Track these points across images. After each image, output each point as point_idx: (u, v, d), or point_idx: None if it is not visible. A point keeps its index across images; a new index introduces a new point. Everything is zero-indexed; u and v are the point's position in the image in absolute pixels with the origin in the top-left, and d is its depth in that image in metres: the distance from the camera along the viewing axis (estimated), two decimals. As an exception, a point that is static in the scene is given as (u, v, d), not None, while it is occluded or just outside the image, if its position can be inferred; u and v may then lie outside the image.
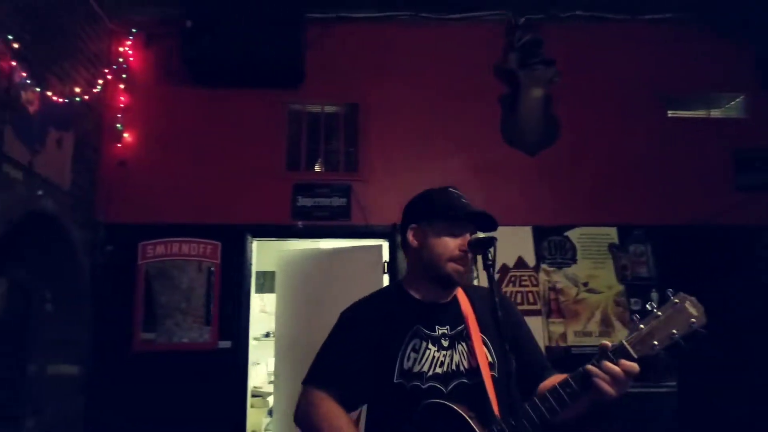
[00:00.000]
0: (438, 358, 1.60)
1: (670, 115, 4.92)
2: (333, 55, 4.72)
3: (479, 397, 1.54)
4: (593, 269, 4.56)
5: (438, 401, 1.51)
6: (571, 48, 4.79)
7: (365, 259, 4.60)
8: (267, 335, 7.04)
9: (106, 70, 4.46)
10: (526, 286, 4.50)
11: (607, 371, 1.33)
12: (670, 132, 4.81)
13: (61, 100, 3.72)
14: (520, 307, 4.34)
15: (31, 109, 3.40)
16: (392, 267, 4.44)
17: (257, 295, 7.06)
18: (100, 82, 4.35)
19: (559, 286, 4.52)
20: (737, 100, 5.04)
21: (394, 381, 1.57)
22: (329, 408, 1.53)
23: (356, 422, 1.64)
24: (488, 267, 1.49)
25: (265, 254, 5.63)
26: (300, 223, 4.54)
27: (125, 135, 4.50)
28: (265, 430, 5.96)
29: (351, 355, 1.61)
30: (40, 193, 3.53)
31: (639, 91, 4.84)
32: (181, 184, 4.50)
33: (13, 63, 3.19)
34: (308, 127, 4.85)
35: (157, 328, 4.27)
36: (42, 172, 3.53)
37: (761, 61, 4.89)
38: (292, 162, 4.73)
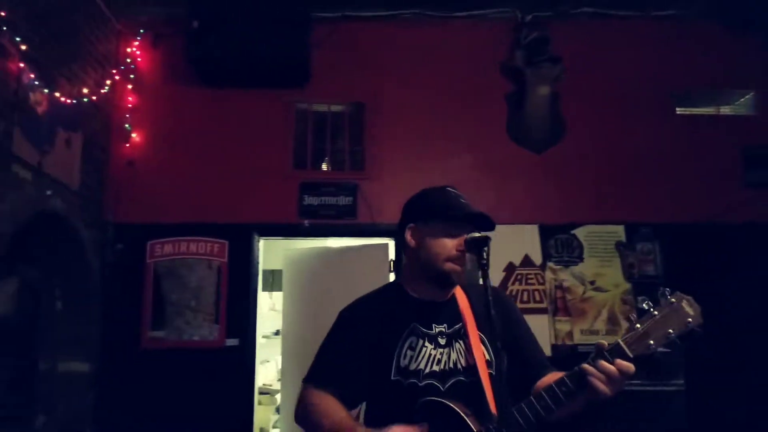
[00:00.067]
0: (435, 356, 1.62)
1: (678, 112, 4.88)
2: (339, 55, 4.72)
3: (476, 394, 1.55)
4: (600, 267, 4.54)
5: (435, 399, 1.52)
6: (578, 45, 4.76)
7: (372, 257, 4.61)
8: (277, 333, 7.05)
9: (114, 71, 4.50)
10: (533, 284, 4.49)
11: (602, 370, 1.33)
12: (679, 129, 4.77)
13: (69, 100, 3.76)
14: (526, 306, 4.41)
15: (40, 110, 3.44)
16: (398, 265, 4.44)
17: (266, 293, 7.12)
18: (108, 82, 4.39)
19: (565, 284, 4.50)
20: (746, 96, 4.99)
21: (392, 378, 1.59)
22: (329, 405, 1.56)
23: (356, 419, 1.65)
24: (482, 266, 1.50)
25: (272, 253, 5.66)
26: (306, 222, 4.56)
27: (133, 135, 4.54)
28: (273, 427, 6.00)
29: (350, 353, 1.63)
30: (49, 193, 3.58)
31: (647, 88, 4.79)
32: (189, 184, 4.53)
33: (22, 65, 3.23)
34: (314, 126, 4.86)
35: (166, 325, 4.31)
36: (51, 173, 3.58)
37: (770, 57, 4.83)
38: (298, 161, 4.75)
